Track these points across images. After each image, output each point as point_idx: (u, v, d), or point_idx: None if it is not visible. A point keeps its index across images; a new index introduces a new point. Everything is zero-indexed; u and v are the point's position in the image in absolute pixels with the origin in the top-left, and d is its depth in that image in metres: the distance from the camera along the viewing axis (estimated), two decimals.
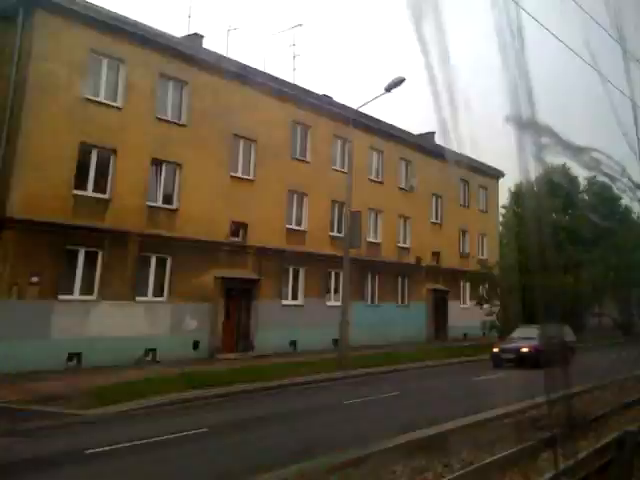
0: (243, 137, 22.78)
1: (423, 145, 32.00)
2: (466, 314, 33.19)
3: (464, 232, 35.43)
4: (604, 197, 44.01)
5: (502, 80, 3.25)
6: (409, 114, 70.87)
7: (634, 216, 48.39)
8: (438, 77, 2.85)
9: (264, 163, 23.31)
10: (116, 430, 10.23)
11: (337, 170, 26.31)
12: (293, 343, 23.63)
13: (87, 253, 17.73)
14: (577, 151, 4.62)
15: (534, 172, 3.67)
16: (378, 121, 29.21)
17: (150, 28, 19.84)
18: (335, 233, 26.29)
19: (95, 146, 18.15)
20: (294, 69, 48.44)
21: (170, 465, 8.02)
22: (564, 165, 32.26)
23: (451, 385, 16.29)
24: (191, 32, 23.84)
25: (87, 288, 17.63)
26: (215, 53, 22.22)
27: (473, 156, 5.90)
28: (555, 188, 32.35)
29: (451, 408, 11.63)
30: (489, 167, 37.09)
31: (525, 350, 19.31)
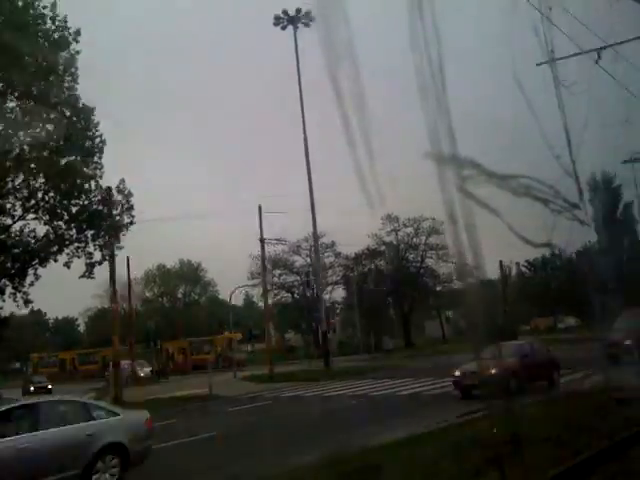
0: None
1: None
2: None
3: None
4: None
5: (422, 119, 3.36)
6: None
7: None
8: (354, 124, 2.86)
9: None
10: None
11: None
12: None
13: None
14: (502, 179, 4.80)
15: (458, 203, 3.78)
16: None
17: None
18: None
19: None
20: None
21: None
22: None
23: None
24: None
25: None
26: None
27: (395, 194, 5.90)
28: None
29: None
30: None
31: None
